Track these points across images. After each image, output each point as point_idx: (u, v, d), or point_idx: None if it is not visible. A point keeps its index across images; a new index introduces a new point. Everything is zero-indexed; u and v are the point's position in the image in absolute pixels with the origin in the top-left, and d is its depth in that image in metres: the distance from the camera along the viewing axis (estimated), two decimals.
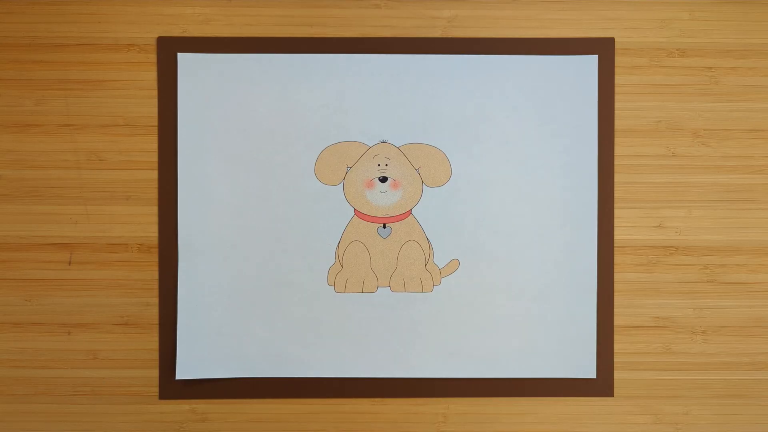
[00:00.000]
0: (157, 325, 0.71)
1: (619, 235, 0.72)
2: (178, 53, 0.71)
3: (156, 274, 0.71)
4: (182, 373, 0.70)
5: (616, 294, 0.72)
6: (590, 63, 0.72)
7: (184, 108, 0.71)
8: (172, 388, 0.71)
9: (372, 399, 0.72)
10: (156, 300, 0.71)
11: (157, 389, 0.71)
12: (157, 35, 0.71)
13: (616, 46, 0.72)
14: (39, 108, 0.71)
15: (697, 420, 0.73)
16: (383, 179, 0.71)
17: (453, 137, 0.71)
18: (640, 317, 0.72)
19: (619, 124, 0.72)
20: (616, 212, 0.72)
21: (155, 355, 0.71)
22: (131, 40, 0.71)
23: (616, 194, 0.72)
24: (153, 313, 0.71)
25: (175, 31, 0.71)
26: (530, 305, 0.71)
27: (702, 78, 0.72)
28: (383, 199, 0.71)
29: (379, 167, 0.71)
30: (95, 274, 0.71)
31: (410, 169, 0.71)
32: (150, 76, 0.71)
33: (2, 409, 0.71)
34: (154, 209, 0.71)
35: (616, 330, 0.72)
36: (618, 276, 0.72)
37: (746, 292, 0.73)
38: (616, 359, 0.72)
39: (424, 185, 0.71)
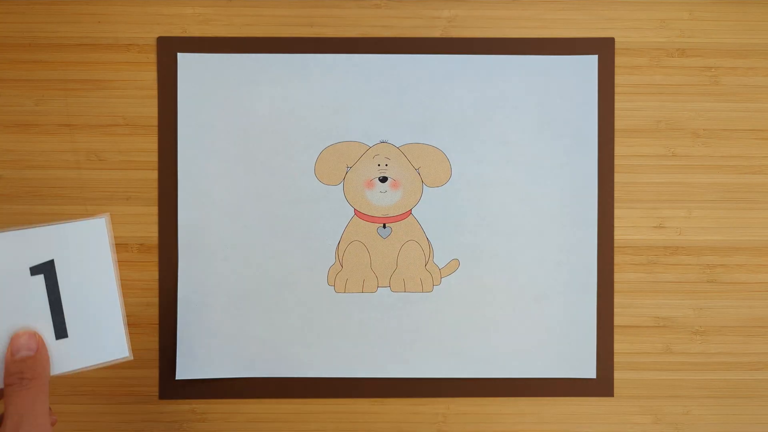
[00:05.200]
0: (157, 325, 0.71)
1: (619, 235, 0.72)
2: (178, 53, 0.71)
3: (156, 274, 0.71)
4: (182, 373, 0.70)
5: (616, 294, 0.72)
6: (590, 63, 0.71)
7: (184, 108, 0.71)
8: (172, 388, 0.71)
9: (372, 399, 0.72)
10: (156, 300, 0.71)
11: (157, 389, 0.71)
12: (157, 35, 0.71)
13: (616, 46, 0.72)
14: (39, 108, 0.71)
15: (697, 420, 0.73)
16: (383, 179, 0.71)
17: (453, 137, 0.71)
18: (640, 317, 0.72)
19: (619, 124, 0.72)
20: (616, 212, 0.72)
21: (155, 355, 0.71)
22: (131, 40, 0.71)
23: (616, 194, 0.72)
24: (153, 313, 0.71)
25: (175, 31, 0.71)
26: (530, 305, 0.71)
27: (702, 78, 0.72)
28: (383, 199, 0.71)
29: (379, 167, 0.71)
30: None
31: (410, 169, 0.71)
32: (150, 76, 0.71)
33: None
34: (154, 209, 0.71)
35: (616, 330, 0.72)
36: (618, 276, 0.72)
37: (746, 292, 0.73)
38: (616, 359, 0.72)
39: (424, 185, 0.71)
